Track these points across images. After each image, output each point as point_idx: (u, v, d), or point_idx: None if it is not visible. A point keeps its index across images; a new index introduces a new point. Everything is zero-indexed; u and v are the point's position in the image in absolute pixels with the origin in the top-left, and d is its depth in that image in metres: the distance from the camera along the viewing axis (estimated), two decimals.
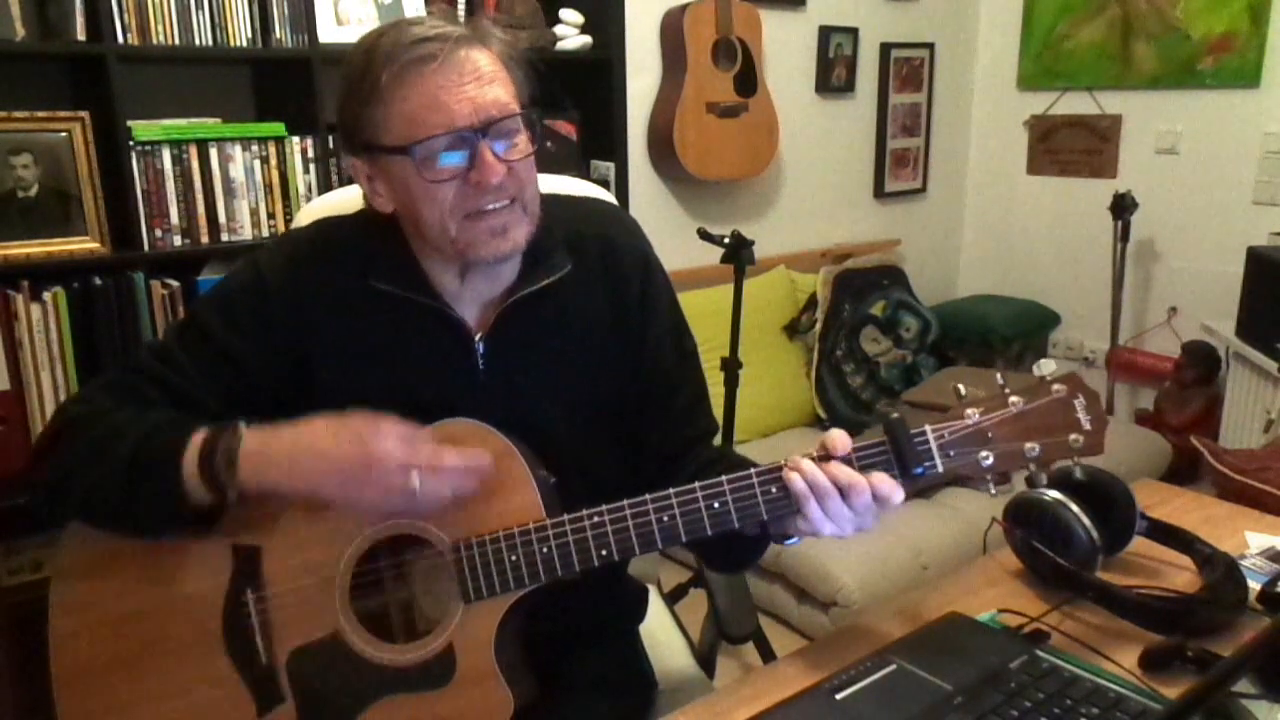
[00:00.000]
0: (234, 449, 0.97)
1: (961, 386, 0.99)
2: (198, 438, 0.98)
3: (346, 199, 1.31)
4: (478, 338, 1.09)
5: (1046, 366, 0.99)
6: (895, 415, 0.97)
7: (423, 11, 2.37)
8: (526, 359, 1.10)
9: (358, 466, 0.95)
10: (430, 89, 0.96)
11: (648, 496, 0.98)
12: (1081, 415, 0.97)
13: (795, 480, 0.94)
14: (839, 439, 0.96)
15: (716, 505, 0.97)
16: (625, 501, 0.98)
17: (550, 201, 1.10)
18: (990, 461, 0.96)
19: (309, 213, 1.32)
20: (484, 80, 0.98)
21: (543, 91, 1.07)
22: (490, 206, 1.00)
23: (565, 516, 0.99)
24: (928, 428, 0.96)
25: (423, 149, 0.97)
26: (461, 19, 1.03)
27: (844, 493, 0.93)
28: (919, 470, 0.96)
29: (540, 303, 1.09)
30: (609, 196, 1.37)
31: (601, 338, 1.13)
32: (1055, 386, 0.97)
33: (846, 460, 0.95)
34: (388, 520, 1.01)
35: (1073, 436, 0.96)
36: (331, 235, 1.12)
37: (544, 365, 1.11)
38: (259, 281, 1.08)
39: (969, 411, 0.97)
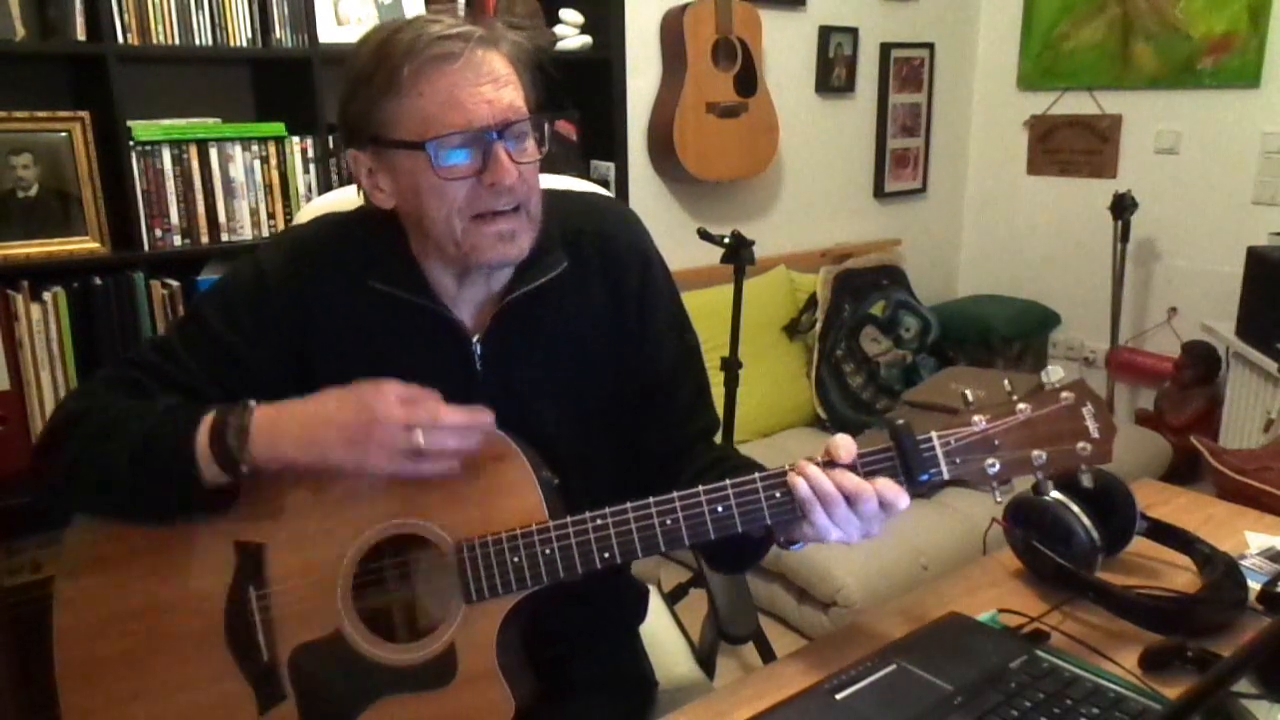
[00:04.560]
0: (246, 424, 0.97)
1: (969, 393, 0.98)
2: (209, 417, 0.99)
3: (347, 198, 1.30)
4: (475, 339, 1.09)
5: (1054, 373, 0.97)
6: (901, 421, 0.96)
7: (423, 10, 2.37)
8: (524, 359, 1.10)
9: (362, 428, 0.95)
10: (448, 86, 0.96)
11: (650, 499, 0.98)
12: (1090, 423, 0.96)
13: (800, 486, 0.94)
14: (844, 445, 0.96)
15: (720, 509, 0.97)
16: (628, 504, 0.98)
17: (547, 197, 1.10)
18: (996, 469, 0.96)
19: (309, 213, 1.32)
20: (500, 83, 0.98)
21: (545, 92, 1.07)
22: (500, 208, 1.01)
23: (568, 519, 0.99)
24: (934, 434, 0.96)
25: (437, 145, 0.97)
26: (462, 13, 1.04)
27: (850, 500, 0.93)
28: (924, 477, 0.95)
29: (537, 302, 1.09)
30: (606, 192, 1.37)
31: (600, 335, 1.12)
32: (1063, 394, 0.96)
33: (851, 467, 0.95)
34: (397, 482, 1.00)
35: (1081, 444, 0.96)
36: (331, 233, 1.12)
37: (542, 365, 1.11)
38: (260, 279, 1.08)
39: (975, 418, 0.96)
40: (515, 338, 1.10)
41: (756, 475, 0.97)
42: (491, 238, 1.02)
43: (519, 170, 1.00)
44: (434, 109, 0.96)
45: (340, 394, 0.99)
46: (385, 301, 1.07)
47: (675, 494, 0.97)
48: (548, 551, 0.99)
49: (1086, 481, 0.98)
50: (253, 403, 1.00)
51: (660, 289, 1.16)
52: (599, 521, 0.98)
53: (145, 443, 0.98)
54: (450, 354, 1.09)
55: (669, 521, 0.97)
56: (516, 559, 0.99)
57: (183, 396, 1.05)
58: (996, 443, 0.96)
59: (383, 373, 1.07)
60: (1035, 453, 0.96)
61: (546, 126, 1.04)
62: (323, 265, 1.09)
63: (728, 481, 0.97)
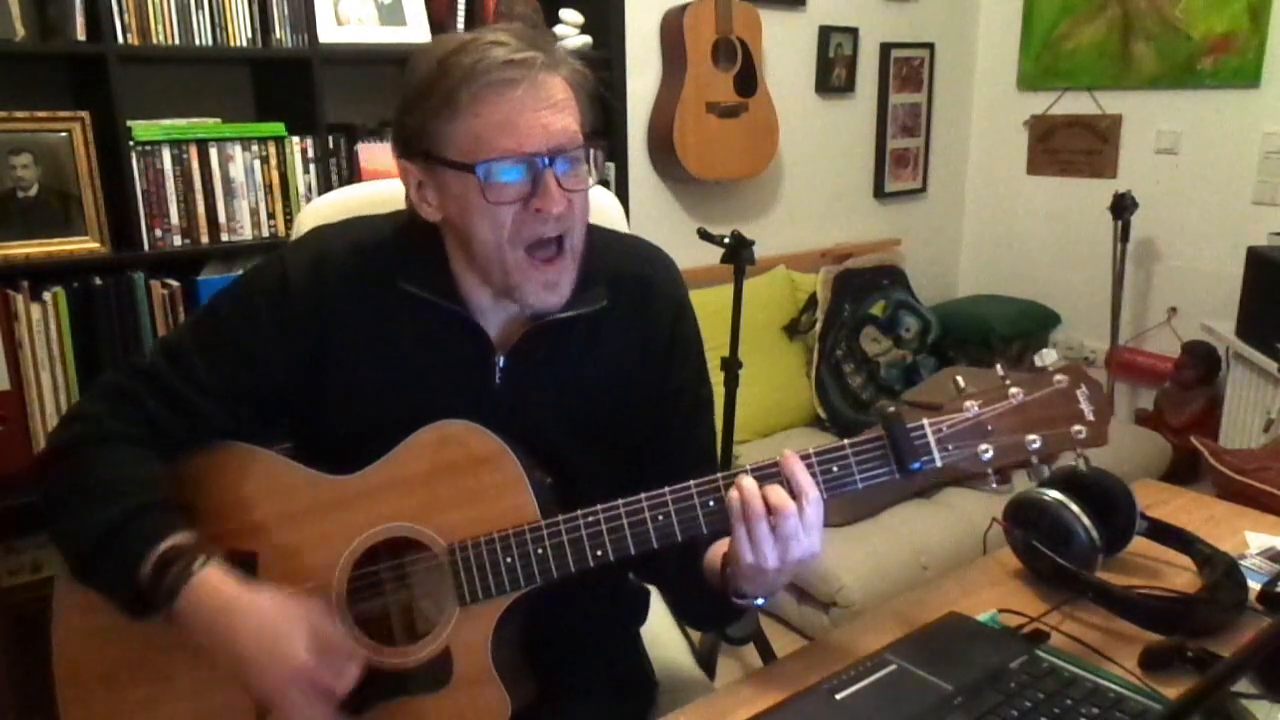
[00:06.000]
0: (185, 578, 0.95)
1: (960, 379, 0.97)
2: (166, 544, 0.96)
3: (347, 199, 1.31)
4: (500, 353, 1.09)
5: (1048, 356, 0.96)
6: (892, 409, 0.95)
7: (422, 12, 2.37)
8: (544, 382, 1.09)
9: (269, 675, 0.94)
10: (505, 111, 0.95)
11: (643, 495, 0.98)
12: (1084, 405, 0.95)
13: (731, 499, 0.95)
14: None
15: (712, 504, 0.97)
16: (619, 500, 0.98)
17: (598, 235, 1.10)
18: (990, 455, 0.95)
19: (310, 213, 1.33)
20: (557, 108, 0.98)
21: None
22: (547, 235, 1.00)
23: (560, 517, 0.99)
24: (925, 421, 0.95)
25: (488, 169, 0.96)
26: (483, 22, 1.03)
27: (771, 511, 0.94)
28: (916, 465, 0.95)
29: (569, 330, 1.08)
30: (616, 203, 1.37)
31: (624, 376, 1.12)
32: (1057, 377, 0.95)
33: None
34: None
35: (1075, 427, 0.94)
36: (363, 235, 1.11)
37: (560, 391, 1.10)
38: (282, 280, 1.07)
39: (968, 404, 0.95)
40: (540, 359, 1.09)
41: (748, 466, 0.97)
42: (537, 283, 1.02)
43: (569, 199, 1.00)
44: (487, 131, 0.96)
45: (286, 622, 0.95)
46: (412, 303, 1.06)
47: (667, 489, 0.98)
48: (540, 551, 0.99)
49: (1082, 466, 0.97)
50: (210, 562, 0.97)
51: (688, 342, 1.16)
52: (591, 519, 0.98)
53: (111, 530, 0.97)
54: (472, 363, 1.08)
55: (661, 517, 0.98)
56: (509, 559, 0.99)
57: (184, 417, 1.04)
58: (989, 428, 0.95)
59: (401, 374, 1.07)
60: (1029, 437, 0.95)
61: (594, 154, 1.03)
62: (348, 267, 1.08)
63: (719, 474, 0.98)
